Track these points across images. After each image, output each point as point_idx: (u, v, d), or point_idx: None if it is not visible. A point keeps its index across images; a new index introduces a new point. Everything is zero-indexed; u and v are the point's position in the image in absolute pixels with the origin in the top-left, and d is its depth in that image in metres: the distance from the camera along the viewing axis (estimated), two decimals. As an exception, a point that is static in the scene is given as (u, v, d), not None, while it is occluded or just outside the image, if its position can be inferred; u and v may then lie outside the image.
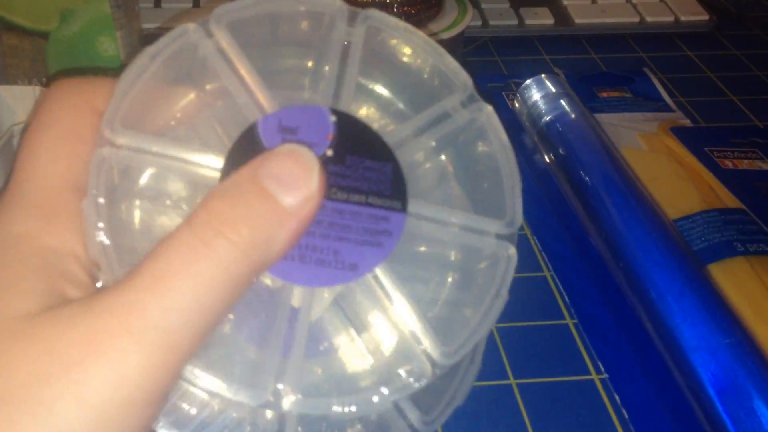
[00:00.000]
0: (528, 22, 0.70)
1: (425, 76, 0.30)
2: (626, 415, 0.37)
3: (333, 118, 0.28)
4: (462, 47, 0.59)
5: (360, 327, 0.29)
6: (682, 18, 0.71)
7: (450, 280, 0.30)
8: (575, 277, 0.45)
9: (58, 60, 0.50)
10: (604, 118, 0.56)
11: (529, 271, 0.45)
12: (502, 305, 0.27)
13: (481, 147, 0.30)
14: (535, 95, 0.55)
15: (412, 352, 0.26)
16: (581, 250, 0.46)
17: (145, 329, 0.19)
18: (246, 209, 0.21)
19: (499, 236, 0.28)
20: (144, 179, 0.26)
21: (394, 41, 0.30)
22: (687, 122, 0.58)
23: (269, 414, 0.26)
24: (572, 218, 0.48)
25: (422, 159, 0.30)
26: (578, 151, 0.50)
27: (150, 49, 0.26)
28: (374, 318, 0.28)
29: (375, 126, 0.28)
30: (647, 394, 0.38)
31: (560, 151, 0.51)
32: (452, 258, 0.30)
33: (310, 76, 0.30)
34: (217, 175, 0.25)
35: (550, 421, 0.37)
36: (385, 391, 0.25)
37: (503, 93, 0.61)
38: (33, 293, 0.20)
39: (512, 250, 0.28)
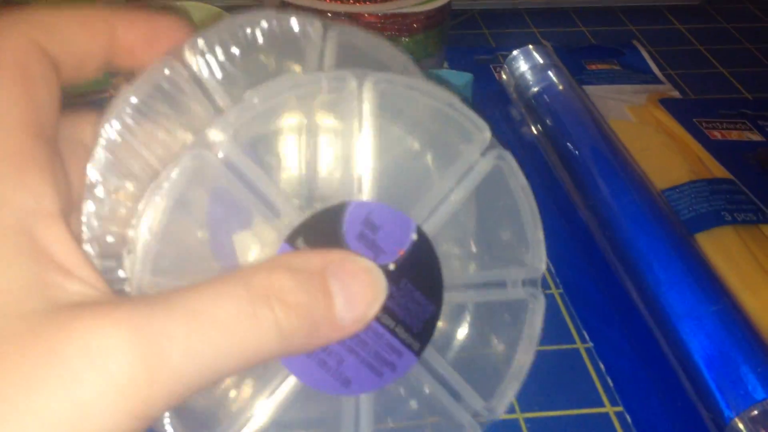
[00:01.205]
0: (517, -6, 0.69)
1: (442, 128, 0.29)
2: (611, 384, 0.37)
3: (414, 237, 0.26)
4: (449, 20, 0.58)
5: None
6: (673, -9, 0.71)
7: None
8: (561, 248, 0.44)
9: None
10: (593, 90, 0.56)
11: (515, 241, 0.45)
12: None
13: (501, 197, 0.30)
14: (523, 66, 0.54)
15: None
16: (568, 220, 0.46)
17: (160, 360, 0.18)
18: (305, 299, 0.20)
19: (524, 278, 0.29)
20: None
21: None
22: (676, 94, 0.58)
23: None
24: (559, 189, 0.48)
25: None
26: (566, 122, 0.49)
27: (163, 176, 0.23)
28: None
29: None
30: (633, 363, 0.38)
31: (548, 122, 0.50)
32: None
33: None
34: (280, 227, 0.24)
35: (534, 390, 0.37)
36: None
37: (491, 66, 0.61)
38: (26, 284, 0.18)
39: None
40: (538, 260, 0.29)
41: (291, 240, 0.24)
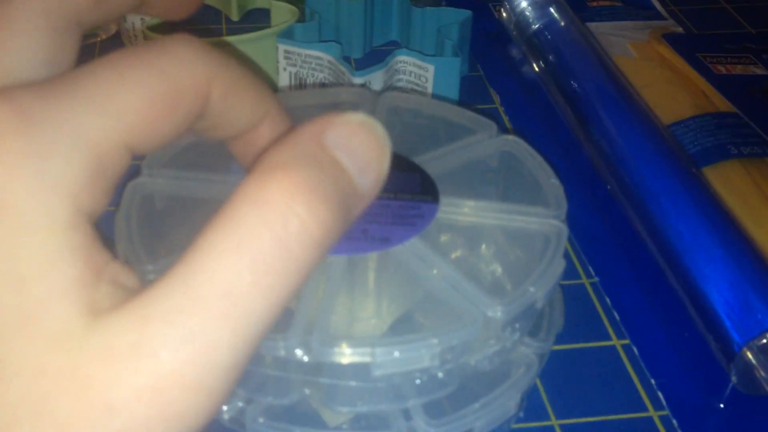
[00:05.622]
0: (515, -68, 0.67)
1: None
2: (617, 317, 0.37)
3: None
4: (446, -43, 0.56)
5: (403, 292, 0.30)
6: (674, -74, 0.69)
7: (495, 254, 0.32)
8: (565, 185, 0.43)
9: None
10: (595, 28, 0.55)
11: (518, 179, 0.44)
12: (560, 269, 0.29)
13: (514, 164, 0.33)
14: (523, 3, 0.53)
15: (462, 309, 0.26)
16: (570, 156, 0.45)
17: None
18: (324, 184, 0.16)
19: (547, 216, 0.31)
20: None
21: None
22: (679, 30, 0.57)
23: None
24: (561, 126, 0.47)
25: (454, 172, 0.32)
26: (568, 59, 0.48)
27: None
28: (413, 280, 0.28)
29: None
30: (638, 296, 0.37)
31: (550, 59, 0.49)
32: (496, 241, 0.32)
33: None
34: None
35: (540, 325, 0.36)
36: (434, 340, 0.24)
37: (490, 5, 0.59)
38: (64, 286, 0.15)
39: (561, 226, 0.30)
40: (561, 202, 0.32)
41: None
